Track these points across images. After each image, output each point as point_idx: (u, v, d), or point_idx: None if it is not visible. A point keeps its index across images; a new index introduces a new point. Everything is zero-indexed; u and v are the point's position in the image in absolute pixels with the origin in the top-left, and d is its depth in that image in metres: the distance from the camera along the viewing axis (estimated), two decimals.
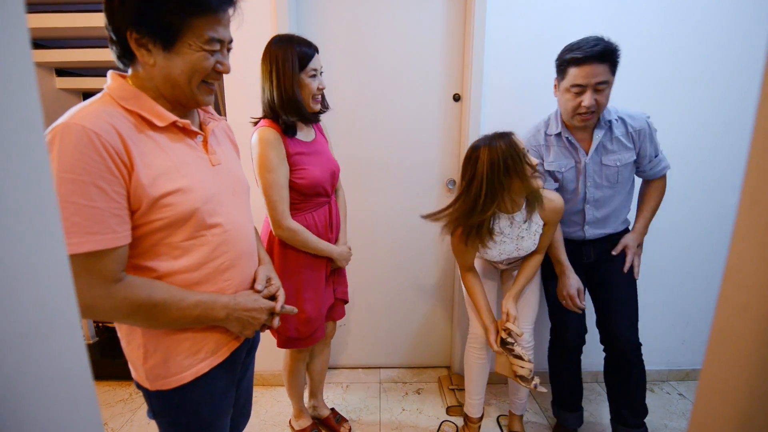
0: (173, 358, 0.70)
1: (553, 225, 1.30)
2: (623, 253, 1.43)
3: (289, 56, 1.12)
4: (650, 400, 1.78)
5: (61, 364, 0.31)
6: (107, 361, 1.90)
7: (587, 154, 1.31)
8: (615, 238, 1.42)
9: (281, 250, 1.24)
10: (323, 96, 1.25)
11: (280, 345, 1.31)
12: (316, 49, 1.18)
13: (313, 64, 1.15)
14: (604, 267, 1.42)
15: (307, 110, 1.19)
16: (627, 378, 1.37)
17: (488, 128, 1.66)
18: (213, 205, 0.70)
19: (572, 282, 1.34)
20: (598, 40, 1.19)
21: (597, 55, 1.16)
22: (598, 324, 1.42)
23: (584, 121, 1.25)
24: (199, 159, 0.72)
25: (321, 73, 1.20)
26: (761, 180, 0.26)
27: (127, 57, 0.65)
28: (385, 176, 1.80)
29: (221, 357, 0.76)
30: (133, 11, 0.59)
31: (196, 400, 0.74)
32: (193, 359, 0.72)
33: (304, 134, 1.24)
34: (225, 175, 0.76)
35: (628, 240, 1.40)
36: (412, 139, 1.77)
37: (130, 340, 0.71)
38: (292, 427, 1.57)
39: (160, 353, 0.70)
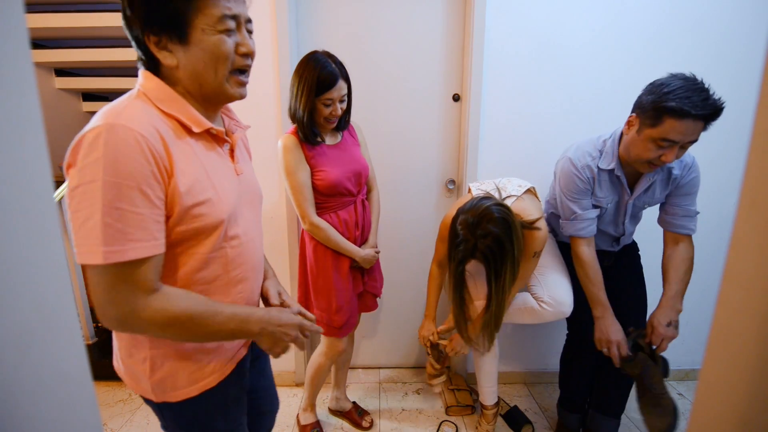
0: (181, 371, 0.69)
1: (530, 253, 1.25)
2: (634, 251, 1.45)
3: (311, 79, 1.15)
4: None
5: (60, 365, 0.31)
6: (107, 361, 1.89)
7: (631, 192, 1.25)
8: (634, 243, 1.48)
9: (314, 247, 1.32)
10: (348, 113, 1.31)
11: (325, 333, 1.39)
12: (344, 77, 1.20)
13: (329, 94, 1.17)
14: (617, 265, 1.43)
15: (318, 129, 1.25)
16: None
17: (488, 128, 1.67)
18: (235, 217, 0.70)
19: (615, 329, 1.23)
20: (707, 93, 1.02)
21: (708, 115, 1.01)
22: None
23: (651, 170, 1.15)
24: (226, 168, 0.70)
25: (342, 101, 1.22)
26: (760, 181, 0.26)
27: (153, 65, 0.63)
28: (385, 176, 1.80)
29: (228, 370, 0.76)
30: (143, 11, 0.58)
31: (209, 411, 0.73)
32: (201, 373, 0.71)
33: (328, 138, 1.30)
34: (245, 185, 0.75)
35: (655, 321, 1.23)
36: (411, 139, 1.77)
37: (133, 353, 0.68)
38: (298, 421, 1.61)
39: (168, 367, 0.68)
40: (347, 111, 1.29)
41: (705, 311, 1.87)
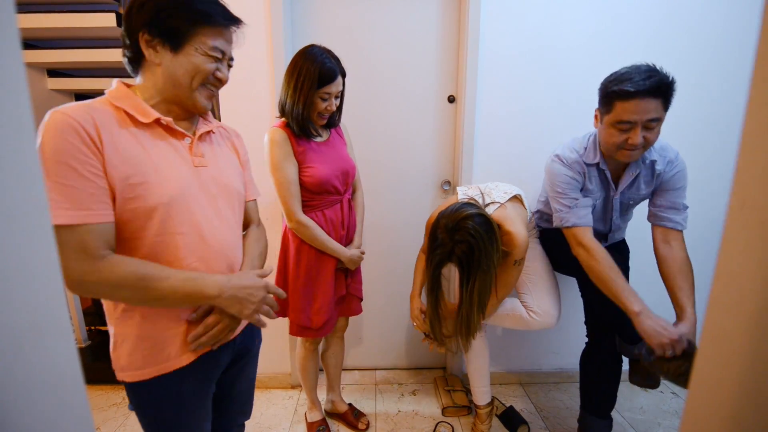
0: (137, 352, 0.72)
1: (511, 261, 1.25)
2: (623, 249, 1.45)
3: (312, 72, 1.14)
4: (644, 399, 1.80)
5: (52, 368, 0.31)
6: (100, 364, 1.88)
7: (617, 188, 1.26)
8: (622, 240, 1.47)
9: (297, 246, 1.29)
10: (340, 111, 1.31)
11: (293, 333, 1.37)
12: (342, 73, 1.20)
13: (328, 88, 1.17)
14: None
15: (313, 123, 1.24)
16: (618, 370, 1.36)
17: (483, 129, 1.68)
18: (184, 205, 0.72)
19: (666, 324, 1.10)
20: (651, 72, 1.05)
21: (650, 90, 1.03)
22: (599, 313, 1.37)
23: (628, 157, 1.14)
24: (180, 159, 0.74)
25: (337, 97, 1.22)
26: (750, 182, 0.26)
27: (136, 61, 0.72)
28: (380, 178, 1.80)
29: (187, 360, 0.75)
30: (150, 15, 0.67)
31: (160, 398, 0.75)
32: (156, 358, 0.73)
33: (316, 135, 1.29)
34: (207, 178, 0.77)
35: (684, 333, 1.12)
36: (407, 140, 1.77)
37: (109, 330, 0.75)
38: (306, 419, 1.61)
39: (127, 345, 0.72)
40: (339, 108, 1.29)
41: (697, 311, 1.88)
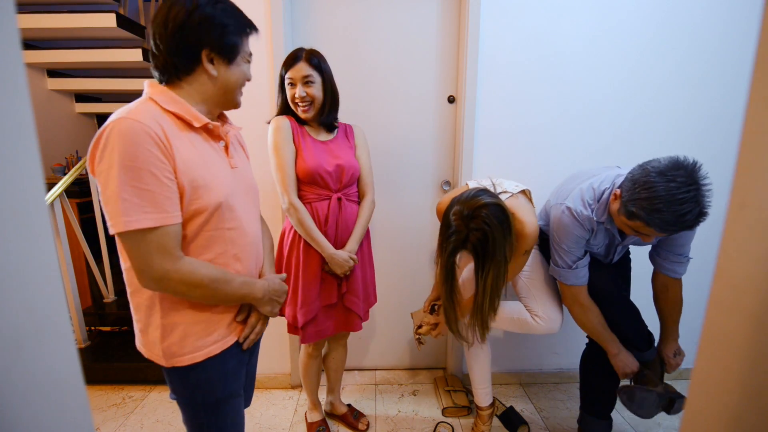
0: (188, 338, 0.79)
1: (521, 250, 1.26)
2: (627, 256, 1.45)
3: (282, 68, 1.27)
4: None
5: (52, 369, 0.31)
6: (99, 365, 1.88)
7: (623, 240, 1.25)
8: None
9: (291, 239, 1.31)
10: (331, 110, 1.29)
11: (288, 330, 1.39)
12: (310, 63, 1.23)
13: (290, 72, 1.24)
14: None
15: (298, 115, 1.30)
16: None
17: (483, 129, 1.68)
18: (232, 203, 0.81)
19: (632, 359, 1.28)
20: (689, 207, 0.93)
21: (683, 229, 0.99)
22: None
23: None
24: (221, 161, 0.82)
25: (306, 84, 1.23)
26: (750, 183, 0.26)
27: (183, 69, 0.76)
28: (380, 178, 1.80)
29: (231, 341, 0.85)
30: (216, 34, 0.75)
31: (210, 379, 0.83)
32: (205, 341, 0.80)
33: (321, 135, 1.32)
34: (240, 177, 0.87)
35: (664, 355, 1.34)
36: (407, 140, 1.77)
37: (150, 322, 0.79)
38: (306, 419, 1.62)
39: (177, 334, 0.78)
40: (330, 109, 1.28)
41: (696, 311, 1.88)
